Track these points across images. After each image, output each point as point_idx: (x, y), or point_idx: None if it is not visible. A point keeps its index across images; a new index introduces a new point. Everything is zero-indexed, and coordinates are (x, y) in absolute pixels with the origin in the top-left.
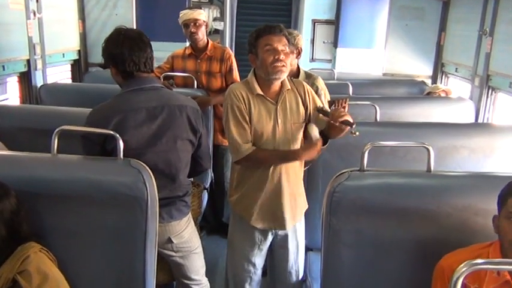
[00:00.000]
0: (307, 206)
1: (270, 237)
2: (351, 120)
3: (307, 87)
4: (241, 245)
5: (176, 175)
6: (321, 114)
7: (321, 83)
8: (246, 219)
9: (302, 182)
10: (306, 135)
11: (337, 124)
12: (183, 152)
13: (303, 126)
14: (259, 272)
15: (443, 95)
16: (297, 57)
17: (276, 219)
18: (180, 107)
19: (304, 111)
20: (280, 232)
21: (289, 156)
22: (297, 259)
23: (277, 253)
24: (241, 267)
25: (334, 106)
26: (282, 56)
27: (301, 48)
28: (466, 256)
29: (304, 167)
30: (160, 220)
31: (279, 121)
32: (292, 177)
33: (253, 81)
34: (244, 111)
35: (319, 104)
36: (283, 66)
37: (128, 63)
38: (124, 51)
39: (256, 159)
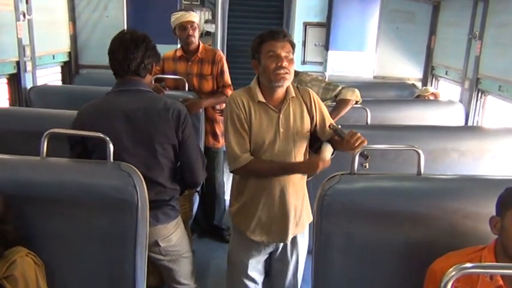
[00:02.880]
0: (311, 219)
1: (269, 250)
2: (366, 153)
3: (314, 95)
4: (239, 258)
5: (157, 179)
6: (336, 136)
7: (305, 78)
8: (243, 231)
9: (304, 193)
10: (315, 147)
11: (351, 152)
12: (163, 158)
13: (308, 136)
14: (259, 287)
15: (432, 98)
16: None
17: (274, 232)
18: (161, 110)
19: (309, 120)
20: (280, 245)
21: (289, 169)
22: (296, 273)
23: (275, 266)
24: (239, 282)
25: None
26: (285, 63)
27: None
28: (458, 260)
29: (307, 177)
30: None
31: (281, 130)
32: (291, 188)
33: (256, 88)
34: (243, 119)
35: (327, 115)
36: (287, 73)
37: (113, 61)
38: (113, 50)
39: (253, 170)
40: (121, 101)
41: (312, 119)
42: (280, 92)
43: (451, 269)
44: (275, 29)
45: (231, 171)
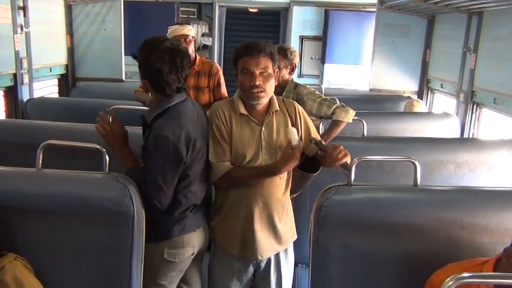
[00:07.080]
0: (295, 237)
1: (251, 268)
2: (349, 163)
3: (299, 108)
4: (219, 274)
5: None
6: (319, 150)
7: (302, 91)
8: (223, 245)
9: (288, 209)
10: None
11: (335, 165)
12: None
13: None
14: None
15: (418, 106)
16: (290, 74)
17: (255, 247)
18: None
19: None
20: (262, 263)
21: (267, 170)
22: None
23: (258, 284)
24: None
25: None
26: (258, 82)
27: (295, 65)
28: (457, 272)
29: (291, 194)
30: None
31: (263, 143)
32: (273, 204)
33: (238, 100)
34: (224, 130)
35: (312, 128)
36: (261, 91)
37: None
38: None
39: (233, 177)
40: (190, 108)
41: (296, 131)
42: (261, 106)
43: (448, 279)
44: (250, 44)
45: (212, 183)
